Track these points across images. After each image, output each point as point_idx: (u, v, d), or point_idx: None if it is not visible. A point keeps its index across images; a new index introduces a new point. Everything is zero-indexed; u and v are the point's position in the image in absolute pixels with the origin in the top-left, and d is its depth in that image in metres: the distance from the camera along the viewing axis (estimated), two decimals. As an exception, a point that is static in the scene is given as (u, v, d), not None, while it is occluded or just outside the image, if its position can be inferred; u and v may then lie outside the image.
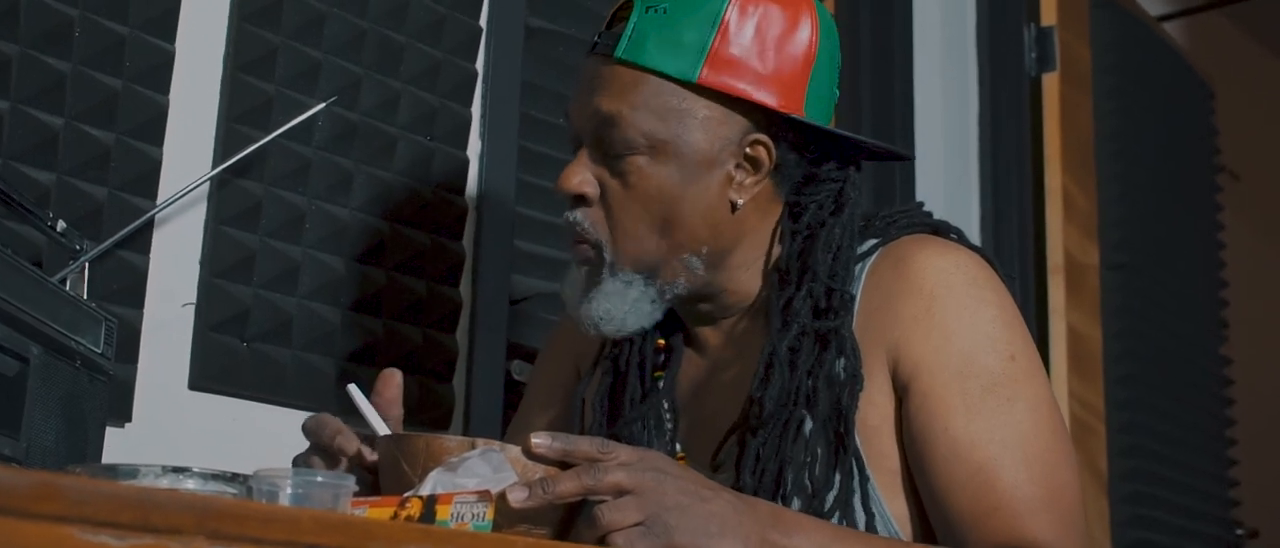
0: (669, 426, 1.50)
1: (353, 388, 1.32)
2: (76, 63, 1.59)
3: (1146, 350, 3.33)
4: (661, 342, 1.55)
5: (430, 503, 1.11)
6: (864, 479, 1.36)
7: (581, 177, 1.42)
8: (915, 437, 1.35)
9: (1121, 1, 3.49)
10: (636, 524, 1.14)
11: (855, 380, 1.37)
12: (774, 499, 1.35)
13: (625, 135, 1.39)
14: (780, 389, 1.38)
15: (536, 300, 2.11)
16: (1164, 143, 3.61)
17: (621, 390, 1.54)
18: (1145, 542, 3.21)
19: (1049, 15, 3.18)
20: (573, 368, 1.67)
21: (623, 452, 1.17)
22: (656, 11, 1.40)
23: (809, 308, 1.41)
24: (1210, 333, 3.73)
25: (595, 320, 1.43)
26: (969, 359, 1.35)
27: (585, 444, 1.16)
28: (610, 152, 1.41)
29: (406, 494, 1.13)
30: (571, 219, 1.43)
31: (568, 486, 1.15)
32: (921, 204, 1.55)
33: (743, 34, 1.39)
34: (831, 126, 1.45)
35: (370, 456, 1.25)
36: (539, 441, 1.16)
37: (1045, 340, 3.02)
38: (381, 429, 1.28)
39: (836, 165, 1.46)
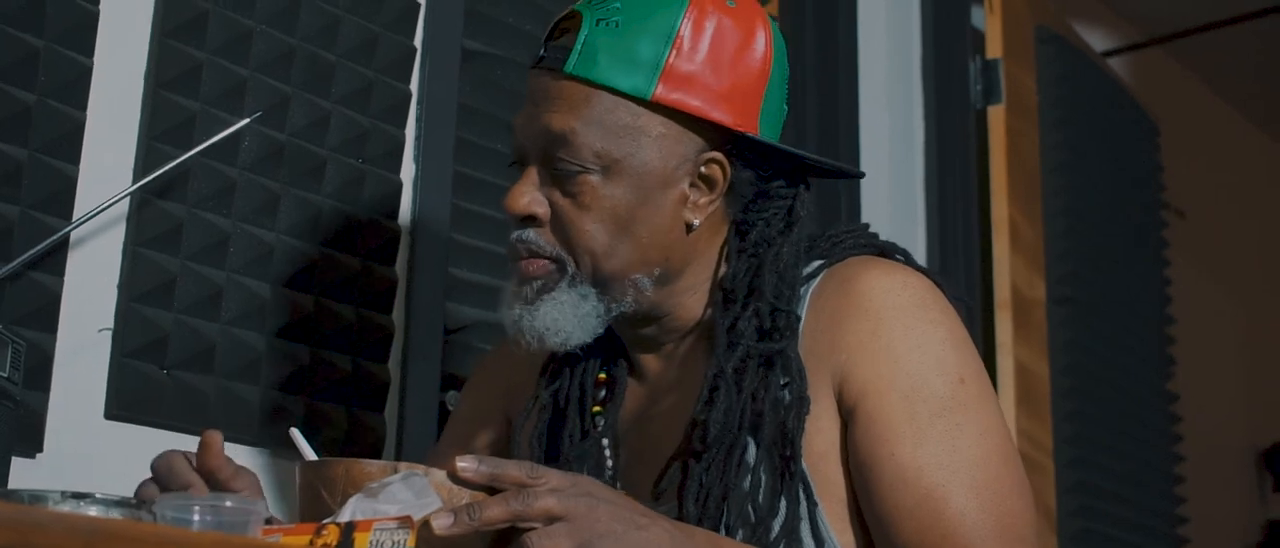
0: (609, 464, 1.45)
1: (295, 432, 1.28)
2: (-13, 75, 1.52)
3: (1094, 386, 3.31)
4: (602, 375, 1.50)
5: (348, 531, 1.06)
6: (812, 506, 1.31)
7: (530, 196, 1.37)
8: (861, 462, 1.31)
9: (1067, 36, 3.49)
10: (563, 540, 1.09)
11: (801, 403, 1.32)
12: (718, 528, 1.31)
13: (577, 154, 1.34)
14: (725, 412, 1.33)
15: (473, 330, 2.05)
16: (1109, 178, 3.60)
17: (560, 428, 1.49)
18: (1094, 580, 3.19)
19: (995, 48, 3.17)
20: (503, 398, 1.62)
21: (553, 476, 1.12)
22: (607, 25, 1.35)
23: (754, 329, 1.36)
24: (1157, 369, 3.73)
25: (540, 332, 1.37)
26: (917, 383, 1.31)
27: (514, 468, 1.12)
28: (561, 170, 1.36)
29: (324, 521, 1.08)
30: (523, 237, 1.38)
31: (495, 512, 1.10)
32: (866, 225, 1.51)
33: (698, 49, 1.35)
34: (786, 146, 1.41)
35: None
36: (465, 463, 1.12)
37: (993, 376, 2.99)
38: None
39: (786, 183, 1.42)
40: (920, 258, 3.00)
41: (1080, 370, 3.25)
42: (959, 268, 3.05)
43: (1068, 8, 3.69)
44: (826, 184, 2.84)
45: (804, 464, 1.32)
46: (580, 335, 1.39)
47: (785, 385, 1.34)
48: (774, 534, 1.30)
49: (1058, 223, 3.28)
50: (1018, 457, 1.34)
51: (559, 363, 1.52)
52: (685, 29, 1.35)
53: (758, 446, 1.32)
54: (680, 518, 1.30)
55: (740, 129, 1.37)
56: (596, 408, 1.49)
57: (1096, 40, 3.92)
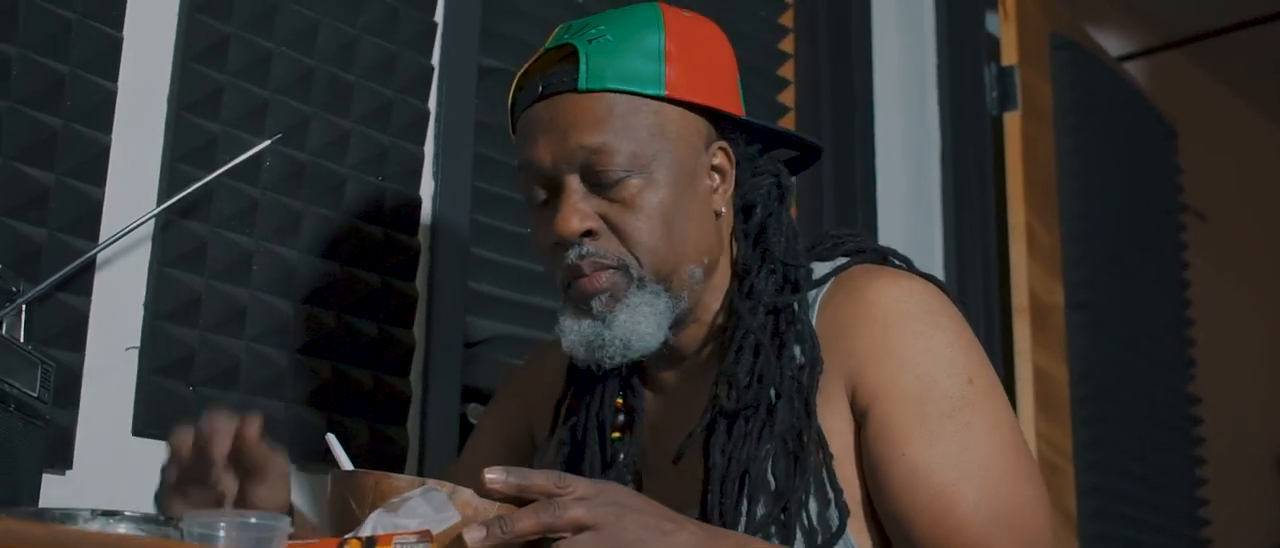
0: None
1: (332, 438, 1.32)
2: (14, 101, 1.55)
3: (1113, 390, 3.32)
4: (620, 401, 1.52)
5: (370, 544, 1.09)
6: (827, 457, 1.35)
7: (581, 213, 1.39)
8: (874, 464, 1.34)
9: (1082, 42, 3.50)
10: None
11: (815, 365, 1.37)
12: (739, 491, 1.35)
13: (615, 161, 1.38)
14: (748, 371, 1.38)
15: (492, 343, 2.08)
16: (1127, 183, 3.61)
17: (580, 460, 1.51)
18: (1115, 583, 3.19)
19: (1010, 55, 3.18)
20: (528, 412, 1.64)
21: (580, 485, 1.15)
22: (600, 42, 1.41)
23: (771, 287, 1.42)
24: (1177, 372, 3.73)
25: (624, 339, 1.39)
26: (926, 384, 1.34)
27: (541, 478, 1.14)
28: (603, 181, 1.39)
29: (345, 536, 1.11)
30: (583, 253, 1.39)
31: (526, 523, 1.12)
32: (859, 233, 1.56)
33: (685, 47, 1.43)
34: (768, 123, 1.51)
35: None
36: (493, 475, 1.14)
37: (1011, 381, 3.01)
38: None
39: (768, 160, 1.51)
40: (937, 264, 3.02)
41: (1099, 375, 3.26)
42: (976, 274, 3.06)
43: (1083, 13, 3.70)
44: (844, 194, 2.87)
45: (818, 420, 1.36)
46: (659, 335, 1.41)
47: (799, 344, 1.38)
48: (792, 498, 1.34)
49: (1075, 228, 3.29)
50: (1029, 453, 1.37)
51: (577, 393, 1.55)
52: (668, 32, 1.42)
53: (778, 412, 1.36)
54: (704, 474, 1.36)
55: (737, 114, 1.46)
56: (615, 434, 1.52)
57: (1112, 45, 3.92)
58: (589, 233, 1.39)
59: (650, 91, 1.40)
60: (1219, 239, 4.66)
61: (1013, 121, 3.14)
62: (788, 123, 2.79)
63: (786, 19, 2.85)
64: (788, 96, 2.81)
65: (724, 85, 1.46)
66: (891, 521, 1.33)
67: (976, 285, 3.05)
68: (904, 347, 1.35)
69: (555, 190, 1.41)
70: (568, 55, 1.41)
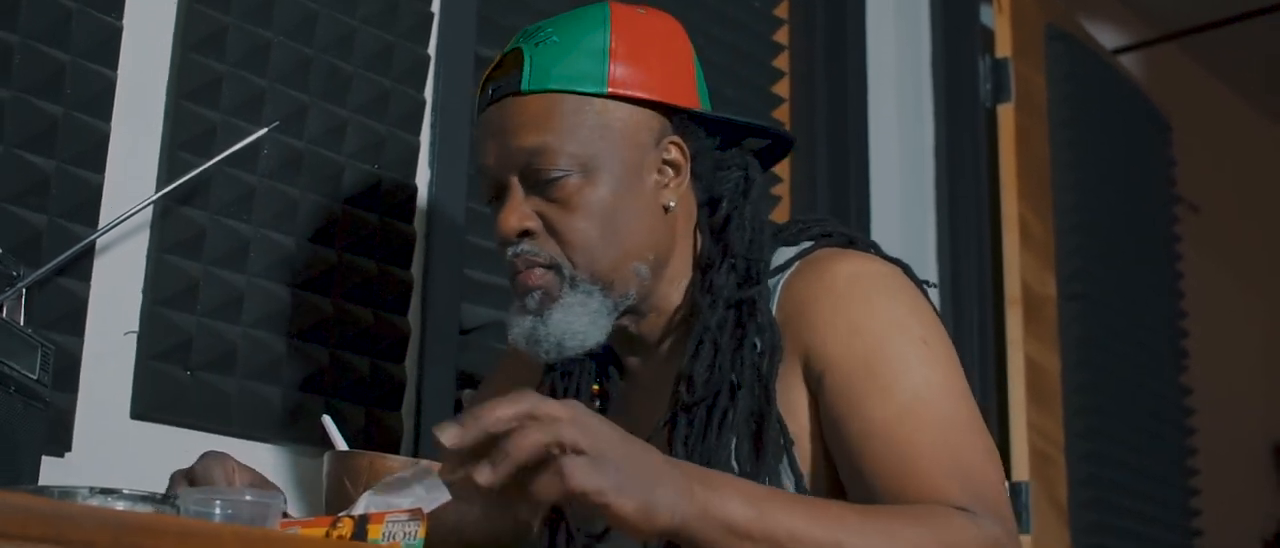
0: None
1: (327, 420, 1.33)
2: (16, 89, 1.58)
3: (1105, 381, 3.33)
4: (596, 388, 1.55)
5: (362, 522, 1.11)
6: (788, 443, 1.37)
7: (519, 213, 1.43)
8: (831, 427, 1.37)
9: (1076, 34, 3.51)
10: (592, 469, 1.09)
11: (774, 352, 1.39)
12: None
13: (555, 161, 1.41)
14: (708, 366, 1.41)
15: (487, 330, 2.10)
16: (1121, 174, 3.63)
17: None
18: (1106, 572, 3.21)
19: (1004, 47, 3.19)
20: None
21: (551, 404, 1.10)
22: (546, 45, 1.44)
23: (731, 282, 1.44)
24: (1170, 363, 3.74)
25: (557, 338, 1.42)
26: (878, 344, 1.36)
27: (503, 408, 1.09)
28: (541, 179, 1.42)
29: (339, 514, 1.13)
30: (519, 251, 1.43)
31: (527, 441, 1.07)
32: (826, 218, 1.58)
33: (633, 44, 1.45)
34: (728, 115, 1.52)
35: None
36: (449, 431, 1.08)
37: (1004, 372, 3.02)
38: None
39: (737, 152, 1.53)
40: (930, 255, 3.04)
41: (1092, 365, 3.27)
42: (969, 265, 3.08)
43: (1077, 5, 3.71)
44: (838, 185, 2.88)
45: (777, 406, 1.38)
46: (596, 335, 1.44)
47: (759, 335, 1.40)
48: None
49: (1068, 219, 3.31)
50: (981, 421, 1.37)
51: (552, 379, 1.58)
52: (616, 30, 1.45)
53: (738, 401, 1.39)
54: None
55: (691, 106, 1.47)
56: None
57: (1107, 37, 3.94)
58: (527, 233, 1.43)
59: (592, 89, 1.42)
60: (1213, 232, 4.68)
61: (1007, 113, 3.15)
62: (782, 114, 2.81)
63: (781, 10, 2.86)
64: (782, 88, 2.83)
65: (678, 80, 1.48)
66: (852, 481, 1.35)
67: (970, 276, 3.07)
68: (856, 313, 1.38)
69: (502, 192, 1.45)
70: (518, 60, 1.45)
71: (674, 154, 1.47)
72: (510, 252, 1.44)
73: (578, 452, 1.08)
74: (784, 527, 1.17)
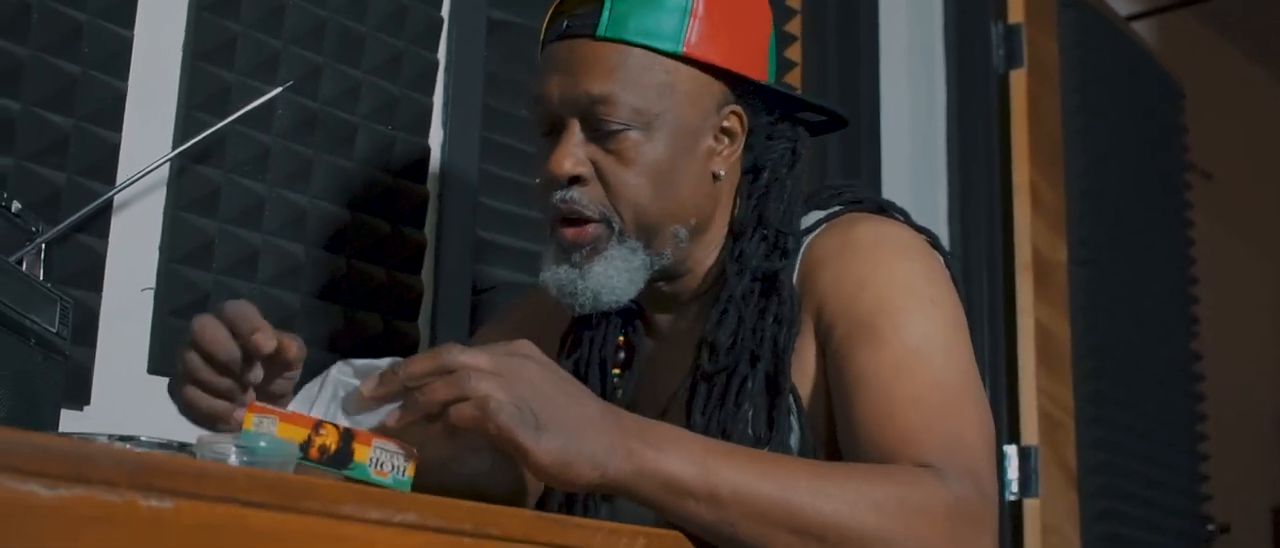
0: None
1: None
2: (34, 49, 1.60)
3: (1115, 346, 3.34)
4: (622, 339, 1.56)
5: (347, 438, 1.07)
6: (801, 415, 1.38)
7: (574, 157, 1.41)
8: (832, 376, 1.37)
9: (1089, 0, 3.51)
10: (513, 414, 1.09)
11: (791, 326, 1.39)
12: None
13: (618, 113, 1.40)
14: (731, 333, 1.41)
15: (500, 290, 2.12)
16: (1133, 141, 3.63)
17: None
18: (1115, 537, 3.23)
19: (1017, 13, 3.19)
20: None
21: (480, 356, 1.11)
22: None
23: (760, 252, 1.44)
24: (1180, 329, 3.75)
25: (595, 291, 1.42)
26: (884, 297, 1.36)
27: (418, 363, 1.11)
28: (602, 130, 1.41)
29: (321, 420, 1.09)
30: (567, 198, 1.42)
31: (431, 397, 1.09)
32: (860, 185, 1.58)
33: (715, 7, 1.43)
34: (792, 91, 1.50)
35: (290, 351, 1.28)
36: (370, 383, 1.11)
37: (1014, 337, 3.04)
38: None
39: (790, 125, 1.51)
40: (942, 220, 3.05)
41: (1102, 331, 3.28)
42: (980, 231, 3.09)
43: (1091, -28, 3.71)
44: (850, 150, 2.90)
45: (791, 378, 1.39)
46: (631, 290, 1.44)
47: (779, 308, 1.41)
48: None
49: (1079, 186, 3.31)
50: (981, 392, 1.36)
51: (580, 329, 1.59)
52: None
53: (758, 371, 1.40)
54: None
55: (758, 79, 1.45)
56: (616, 370, 1.55)
57: (1119, 4, 3.93)
58: (578, 179, 1.42)
59: (666, 48, 1.41)
60: (1224, 199, 4.67)
61: (1019, 79, 3.16)
62: (794, 79, 2.82)
63: (794, -24, 2.87)
64: (795, 53, 2.84)
65: (750, 49, 1.46)
66: (842, 432, 1.34)
67: (981, 242, 3.08)
68: (867, 269, 1.38)
69: (557, 129, 1.44)
70: None
71: (732, 123, 1.46)
72: (557, 196, 1.42)
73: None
74: (729, 483, 1.15)
